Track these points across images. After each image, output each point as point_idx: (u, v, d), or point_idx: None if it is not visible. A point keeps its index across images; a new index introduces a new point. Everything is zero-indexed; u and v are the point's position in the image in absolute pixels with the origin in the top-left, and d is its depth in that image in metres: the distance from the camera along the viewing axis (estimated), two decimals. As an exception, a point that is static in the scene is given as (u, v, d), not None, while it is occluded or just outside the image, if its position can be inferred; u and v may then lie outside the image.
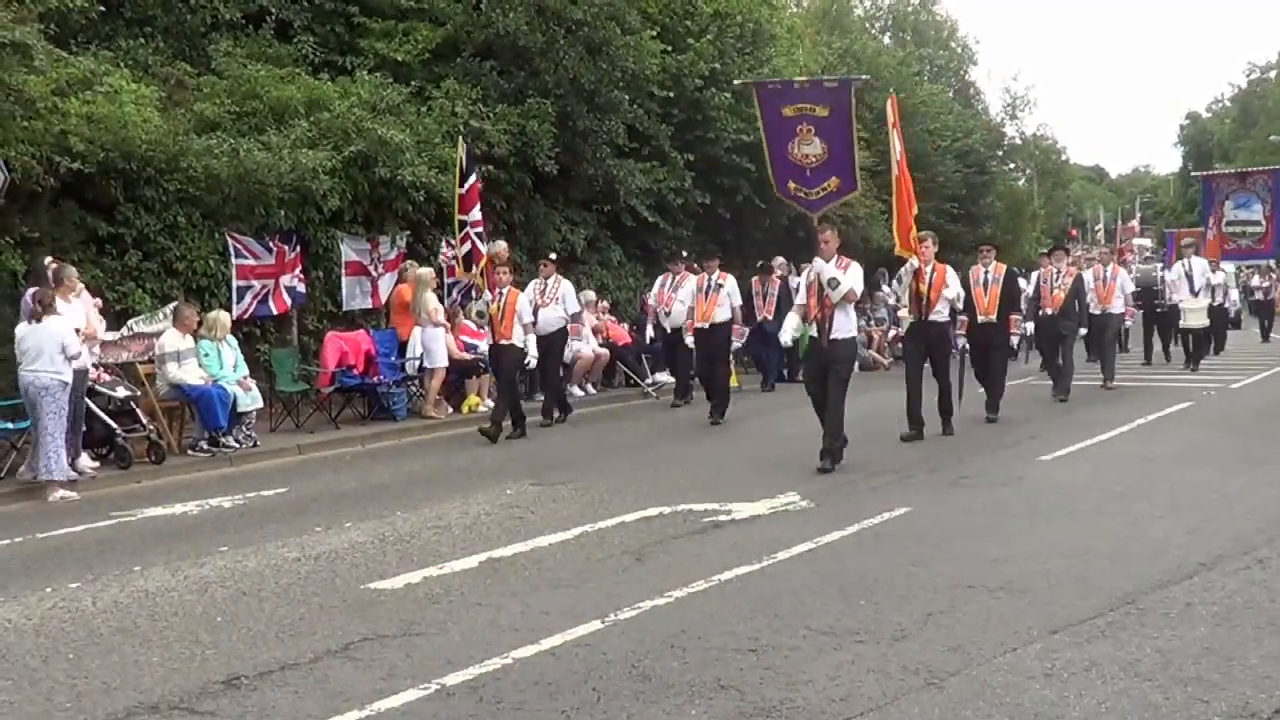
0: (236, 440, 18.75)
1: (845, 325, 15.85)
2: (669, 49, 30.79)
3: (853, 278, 15.74)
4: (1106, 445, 17.46)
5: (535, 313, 21.18)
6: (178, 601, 9.95)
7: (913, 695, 7.29)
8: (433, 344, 21.98)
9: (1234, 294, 36.25)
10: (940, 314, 18.70)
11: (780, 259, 28.69)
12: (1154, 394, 23.56)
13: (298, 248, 22.40)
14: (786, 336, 17.21)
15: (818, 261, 15.82)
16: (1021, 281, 27.67)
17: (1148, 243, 78.06)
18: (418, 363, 22.27)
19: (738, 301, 22.36)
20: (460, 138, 20.99)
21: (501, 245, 25.22)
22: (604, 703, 7.30)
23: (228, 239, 21.18)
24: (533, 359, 20.18)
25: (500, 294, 20.11)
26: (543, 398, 22.54)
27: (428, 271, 23.02)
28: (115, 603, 9.97)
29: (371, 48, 26.17)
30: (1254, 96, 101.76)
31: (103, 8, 21.71)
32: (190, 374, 18.34)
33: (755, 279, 27.74)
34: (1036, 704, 7.08)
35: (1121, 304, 26.15)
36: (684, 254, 25.50)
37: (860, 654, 8.04)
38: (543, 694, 7.46)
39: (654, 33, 30.26)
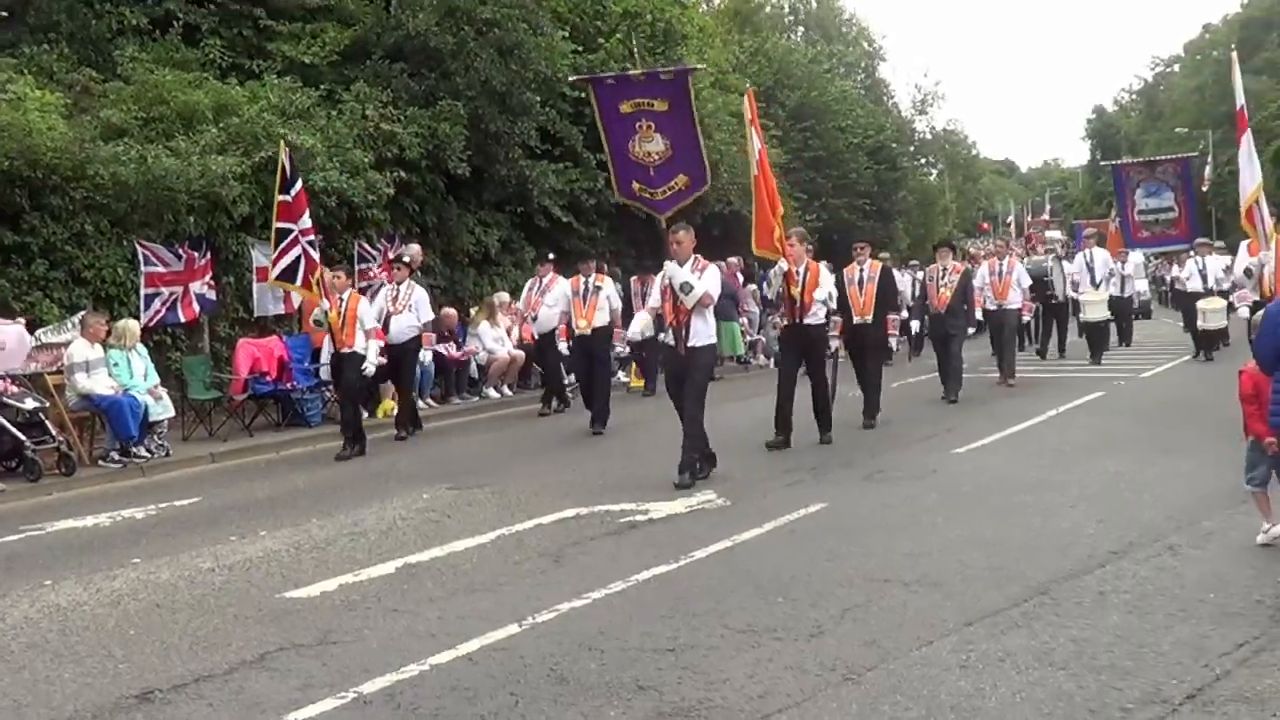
0: (148, 450, 18.57)
1: (703, 331, 14.89)
2: (579, 49, 30.82)
3: (708, 281, 14.83)
4: (1019, 437, 17.59)
5: (386, 320, 20.53)
6: (89, 615, 9.85)
7: (830, 691, 7.31)
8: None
9: (1140, 285, 36.38)
10: (815, 316, 17.65)
11: (696, 256, 28.54)
12: (1065, 385, 23.72)
13: (208, 254, 22.25)
14: (635, 330, 16.19)
15: (670, 265, 14.92)
16: (922, 274, 27.23)
17: (1059, 235, 78.69)
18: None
19: (617, 305, 21.53)
20: (282, 143, 19.87)
21: (415, 249, 25.16)
22: (522, 706, 7.28)
23: (137, 247, 21.00)
24: (370, 366, 19.08)
25: (340, 300, 19.06)
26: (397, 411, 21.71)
27: (340, 277, 22.88)
28: (25, 618, 9.86)
29: (279, 50, 26.02)
30: (1159, 89, 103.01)
31: (5, 14, 21.49)
32: (100, 384, 18.14)
33: (635, 279, 26.76)
34: (953, 696, 7.12)
35: (1019, 298, 25.47)
36: (549, 255, 24.45)
37: (778, 651, 8.06)
38: (460, 700, 7.44)
39: (565, 33, 30.27)
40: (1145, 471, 14.07)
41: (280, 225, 19.11)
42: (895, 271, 27.16)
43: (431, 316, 21.66)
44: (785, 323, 18.14)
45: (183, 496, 15.75)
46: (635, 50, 28.14)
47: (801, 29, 69.34)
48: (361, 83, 26.06)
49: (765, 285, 19.04)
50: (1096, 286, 29.37)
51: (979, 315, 24.75)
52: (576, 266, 21.86)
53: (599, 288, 21.04)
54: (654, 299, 15.72)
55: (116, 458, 18.16)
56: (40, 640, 9.21)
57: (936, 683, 7.35)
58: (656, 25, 34.97)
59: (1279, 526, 10.27)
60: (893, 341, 20.79)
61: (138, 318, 20.21)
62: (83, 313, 19.03)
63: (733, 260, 30.22)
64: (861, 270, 19.99)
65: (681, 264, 14.80)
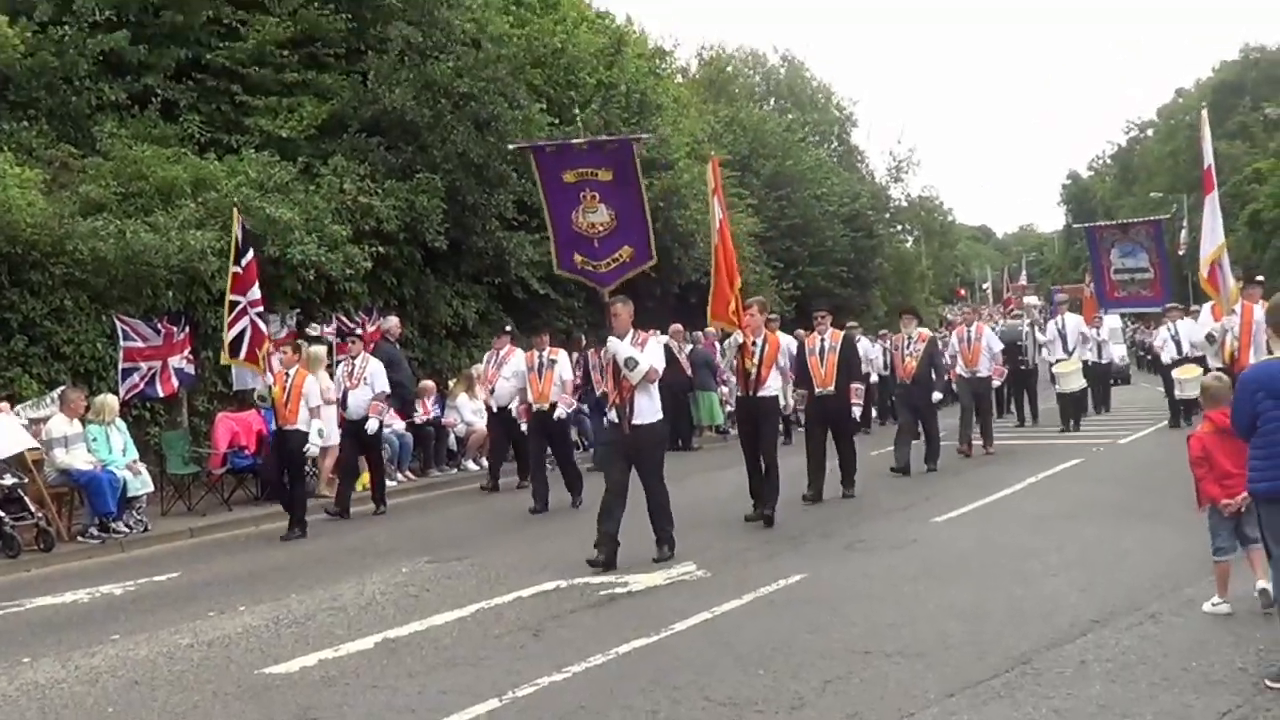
0: (127, 525, 18.52)
1: (649, 408, 14.25)
2: (555, 121, 30.96)
3: (651, 354, 14.27)
4: (998, 505, 17.60)
5: (345, 395, 20.42)
6: (68, 693, 9.79)
7: (812, 764, 7.30)
8: (325, 423, 21.84)
9: (1118, 349, 36.26)
10: (770, 389, 17.04)
11: (677, 326, 28.53)
12: (1044, 452, 23.76)
13: (186, 329, 22.25)
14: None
15: (611, 340, 14.35)
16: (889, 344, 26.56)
17: (1036, 300, 78.92)
18: (310, 441, 22.13)
19: (569, 377, 20.50)
20: (235, 212, 19.84)
21: (393, 321, 25.17)
22: (503, 783, 7.26)
23: (115, 321, 21.01)
24: (313, 446, 18.69)
25: (287, 376, 18.47)
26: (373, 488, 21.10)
27: (320, 349, 22.86)
28: (4, 696, 9.80)
29: (257, 125, 26.07)
30: (1133, 154, 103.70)
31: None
32: (79, 459, 18.11)
33: (592, 351, 26.14)
34: (935, 769, 7.11)
35: (989, 364, 24.92)
36: (506, 327, 24.04)
37: (759, 724, 8.04)
38: (441, 776, 7.41)
39: (542, 105, 30.39)
40: (1125, 538, 14.09)
41: (232, 297, 18.95)
42: (866, 340, 27.13)
43: (386, 388, 20.89)
44: (739, 394, 17.70)
45: (161, 572, 15.70)
46: (602, 120, 28.29)
47: (773, 99, 69.65)
48: (339, 156, 26.13)
49: (720, 356, 18.46)
50: (1070, 354, 29.22)
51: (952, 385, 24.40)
52: (530, 341, 21.27)
53: (553, 361, 20.16)
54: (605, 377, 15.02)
55: (95, 533, 18.11)
56: (19, 718, 9.16)
57: (919, 754, 7.34)
58: (631, 96, 35.15)
59: (1226, 605, 10.28)
60: (856, 411, 20.12)
61: (116, 392, 20.18)
62: (62, 388, 19.03)
63: (710, 330, 30.22)
64: (823, 340, 19.28)
65: (621, 338, 14.29)
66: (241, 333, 18.97)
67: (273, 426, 19.13)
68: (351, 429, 20.40)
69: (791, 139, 52.49)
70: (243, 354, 18.99)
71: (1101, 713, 7.92)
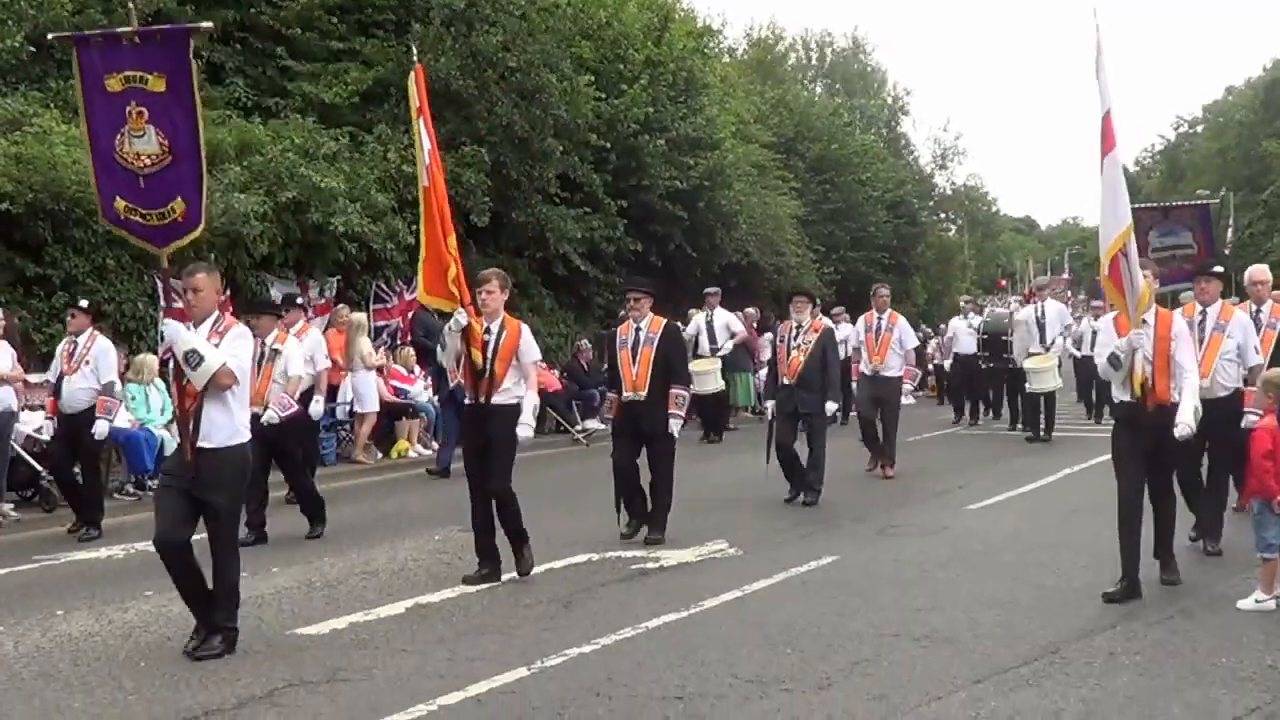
0: (163, 484, 18.62)
1: (224, 426, 9.92)
2: (603, 96, 30.88)
3: (231, 349, 9.93)
4: (1032, 495, 17.56)
5: (60, 382, 15.74)
6: (101, 646, 9.87)
7: (837, 744, 7.30)
8: (364, 389, 21.87)
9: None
10: (509, 395, 12.42)
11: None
12: (1079, 445, 23.55)
13: (227, 291, 22.26)
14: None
15: (170, 325, 10.29)
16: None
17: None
18: (348, 407, 22.17)
19: (295, 372, 15.65)
20: None
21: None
22: (529, 750, 7.28)
23: (157, 281, 21.05)
24: None
25: None
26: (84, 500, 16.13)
27: (361, 316, 22.96)
28: (37, 647, 9.87)
29: (300, 90, 26.05)
30: (1181, 150, 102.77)
31: (33, 49, 21.55)
32: (117, 417, 18.16)
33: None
34: (960, 753, 7.11)
35: (899, 364, 20.25)
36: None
37: (785, 703, 8.05)
38: (468, 741, 7.44)
39: (590, 79, 30.30)
40: (1158, 533, 14.04)
41: None
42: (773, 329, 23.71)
43: (114, 378, 16.09)
44: (468, 401, 12.78)
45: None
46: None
47: (829, 81, 69.38)
48: (383, 125, 26.11)
49: (440, 350, 13.47)
50: (1047, 347, 24.97)
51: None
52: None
53: (276, 352, 15.38)
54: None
55: (132, 490, 18.24)
56: (52, 669, 9.23)
57: (944, 738, 7.35)
58: (679, 74, 35.04)
59: (1272, 602, 10.23)
60: (674, 425, 14.46)
61: (156, 352, 20.24)
62: (103, 346, 19.07)
63: (750, 310, 30.16)
64: (639, 330, 14.70)
65: (198, 324, 10.12)
66: None
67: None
68: (68, 427, 15.94)
69: (838, 123, 52.31)
70: None
71: (1128, 704, 7.92)
